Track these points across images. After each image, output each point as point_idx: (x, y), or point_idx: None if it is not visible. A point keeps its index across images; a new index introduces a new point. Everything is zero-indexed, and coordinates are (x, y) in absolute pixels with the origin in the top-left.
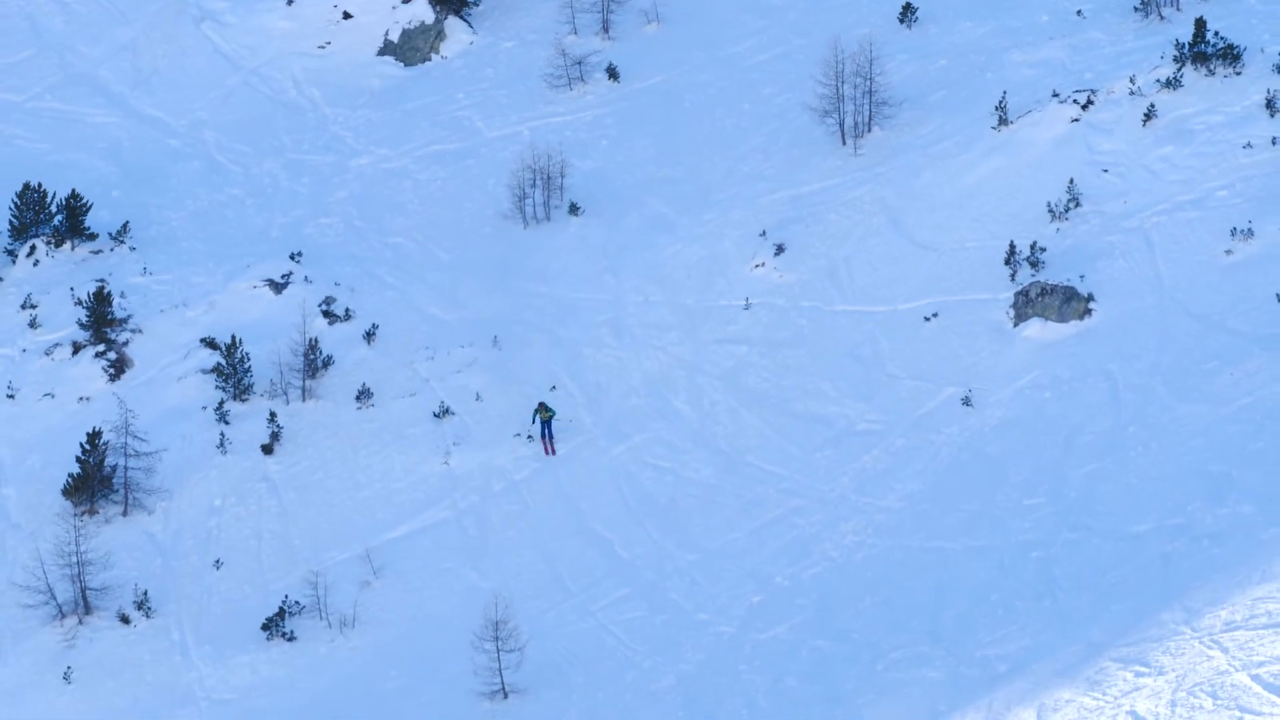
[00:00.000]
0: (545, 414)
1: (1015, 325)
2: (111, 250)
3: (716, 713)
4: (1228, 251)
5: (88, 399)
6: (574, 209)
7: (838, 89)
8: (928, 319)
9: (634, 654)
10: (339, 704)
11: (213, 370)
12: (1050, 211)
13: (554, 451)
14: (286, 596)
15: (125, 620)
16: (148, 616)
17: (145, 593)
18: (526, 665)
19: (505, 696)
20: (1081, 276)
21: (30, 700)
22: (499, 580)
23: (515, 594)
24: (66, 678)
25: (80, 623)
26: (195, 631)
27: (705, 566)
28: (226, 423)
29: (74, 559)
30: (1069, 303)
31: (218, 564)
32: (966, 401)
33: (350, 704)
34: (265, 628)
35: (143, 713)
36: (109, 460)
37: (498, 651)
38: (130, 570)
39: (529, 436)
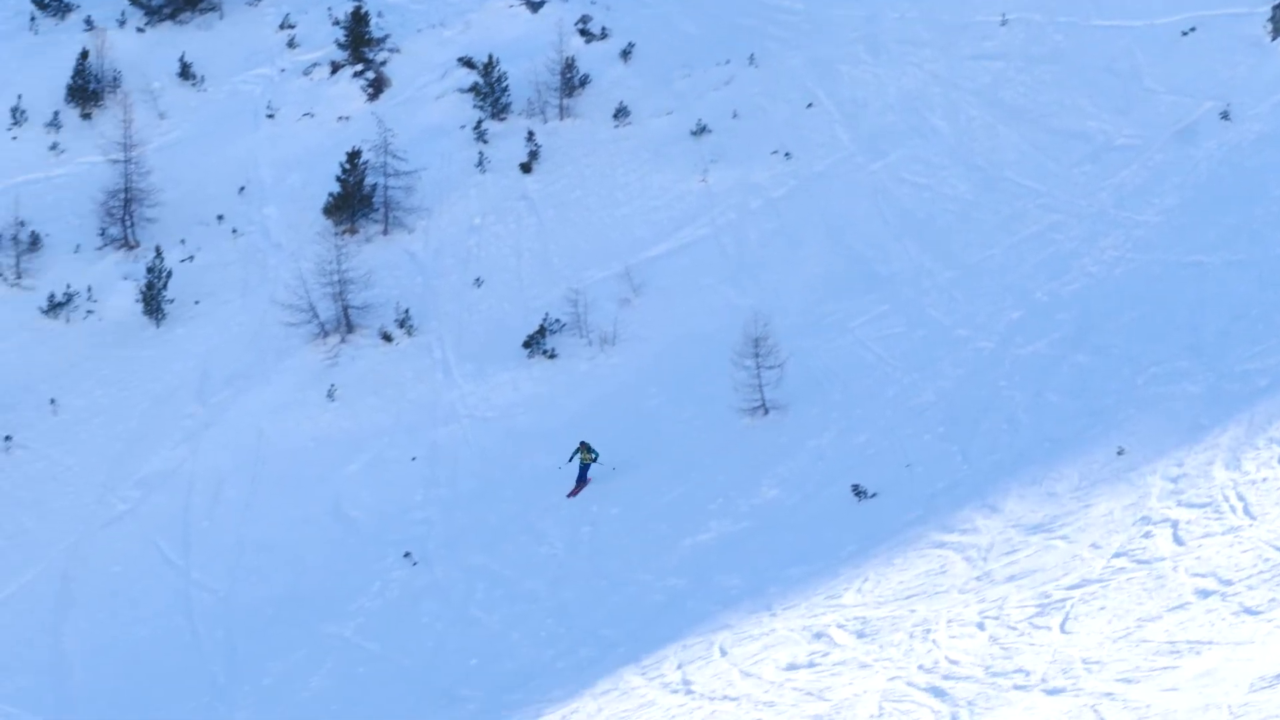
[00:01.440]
0: (587, 456)
1: (1273, 39)
2: None
3: (977, 428)
4: None
5: (346, 118)
6: None
7: None
8: (1185, 33)
9: (893, 370)
10: (600, 421)
11: (470, 89)
12: None
13: (577, 493)
14: (547, 314)
15: (387, 338)
16: (409, 334)
17: (407, 311)
18: (786, 381)
19: (765, 413)
20: None
21: (294, 417)
22: (757, 297)
23: (774, 310)
24: (330, 395)
25: (343, 341)
26: (457, 349)
27: (964, 282)
28: (485, 141)
29: (335, 277)
30: None
31: (478, 282)
32: (1224, 115)
33: (611, 421)
34: (526, 345)
35: (405, 429)
36: (369, 179)
37: (757, 368)
38: (391, 288)
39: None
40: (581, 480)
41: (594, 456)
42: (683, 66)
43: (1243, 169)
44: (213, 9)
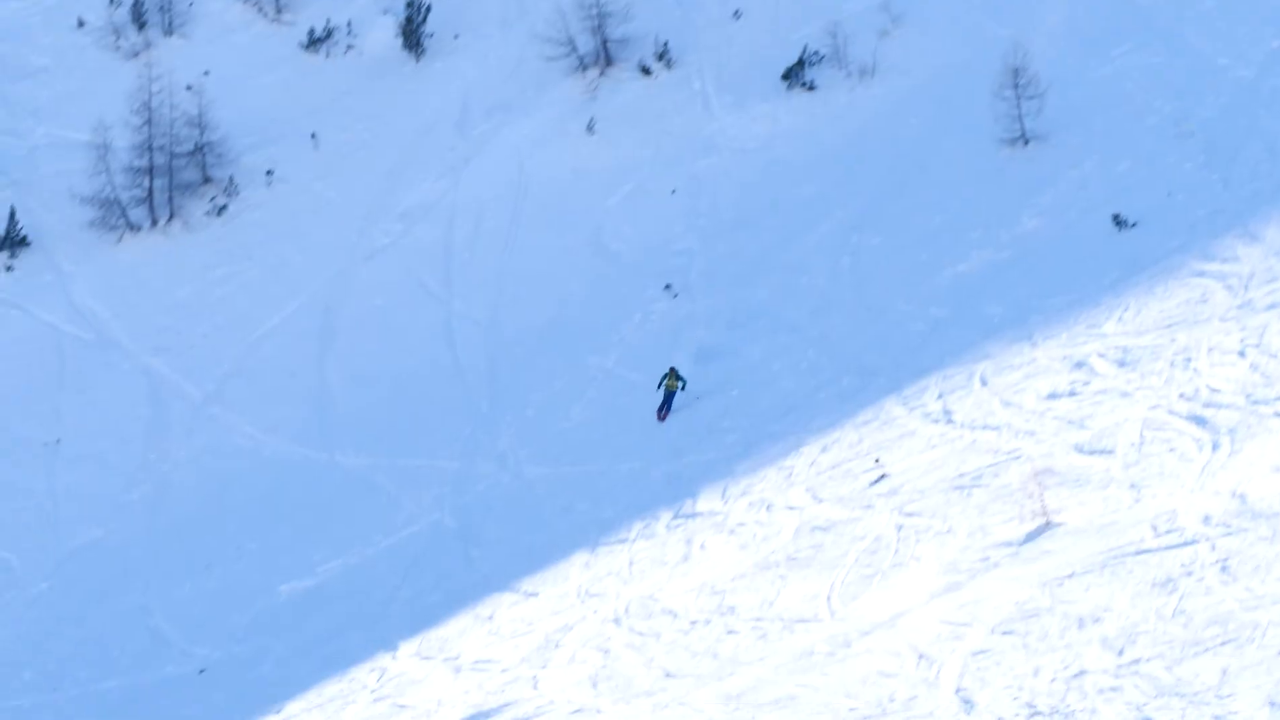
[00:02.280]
0: (673, 384)
1: None
2: None
3: (1237, 156)
4: None
5: None
6: None
7: None
8: None
9: (1153, 99)
10: (859, 152)
11: None
12: None
13: (664, 419)
14: (806, 46)
15: (646, 71)
16: (668, 68)
17: (665, 44)
18: (1046, 111)
19: (1025, 143)
20: None
21: (555, 149)
22: (1018, 28)
23: (1034, 41)
24: (590, 128)
25: (601, 74)
26: (716, 82)
27: (1224, 10)
28: None
29: (594, 11)
30: None
31: (737, 14)
32: None
33: (870, 152)
34: (785, 77)
35: (665, 162)
36: None
37: (1017, 98)
38: (650, 22)
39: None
40: (667, 406)
41: (681, 384)
42: None
43: None
44: None
